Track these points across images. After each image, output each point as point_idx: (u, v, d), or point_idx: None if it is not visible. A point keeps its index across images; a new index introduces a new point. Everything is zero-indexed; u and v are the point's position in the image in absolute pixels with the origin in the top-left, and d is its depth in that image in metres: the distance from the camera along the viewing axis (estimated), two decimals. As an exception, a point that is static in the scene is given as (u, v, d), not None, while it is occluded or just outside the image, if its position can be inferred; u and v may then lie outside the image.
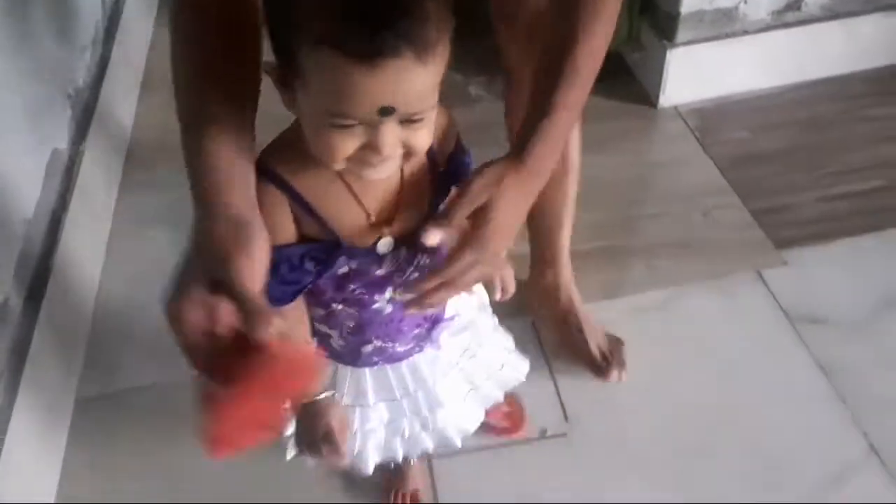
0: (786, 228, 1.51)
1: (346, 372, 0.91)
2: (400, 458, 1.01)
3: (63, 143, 1.49)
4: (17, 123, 1.34)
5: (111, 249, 1.58)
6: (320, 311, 0.83)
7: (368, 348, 0.87)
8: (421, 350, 0.91)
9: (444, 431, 0.98)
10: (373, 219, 0.75)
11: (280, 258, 0.71)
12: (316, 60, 0.61)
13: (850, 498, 1.15)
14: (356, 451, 0.96)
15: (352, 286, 0.80)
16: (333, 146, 0.65)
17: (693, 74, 1.75)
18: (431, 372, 0.92)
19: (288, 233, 0.74)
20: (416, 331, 0.89)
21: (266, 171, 0.72)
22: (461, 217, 0.74)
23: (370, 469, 0.98)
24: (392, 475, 1.15)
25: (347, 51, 0.59)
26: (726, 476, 1.18)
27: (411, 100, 0.63)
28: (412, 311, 0.78)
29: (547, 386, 1.29)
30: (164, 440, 1.26)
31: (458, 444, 1.00)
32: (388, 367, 0.91)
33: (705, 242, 1.51)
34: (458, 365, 0.95)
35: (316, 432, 0.85)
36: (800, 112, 1.75)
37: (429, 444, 0.99)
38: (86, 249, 1.49)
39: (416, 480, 1.16)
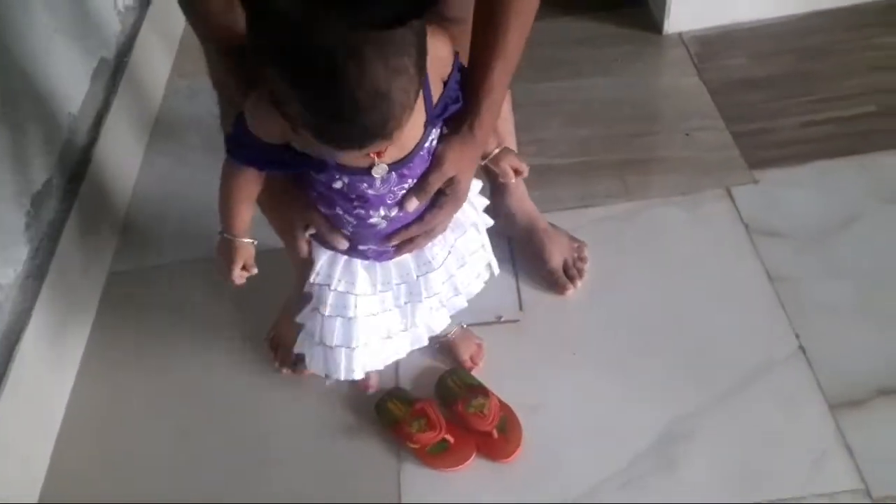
0: (763, 150, 1.54)
1: (341, 260, 1.03)
2: (381, 366, 1.14)
3: (110, 53, 1.71)
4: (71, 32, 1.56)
5: (150, 148, 1.79)
6: (327, 212, 0.96)
7: (363, 248, 1.01)
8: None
9: (417, 330, 1.13)
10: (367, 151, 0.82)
11: (272, 151, 0.87)
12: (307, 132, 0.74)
13: (769, 388, 1.22)
14: (345, 345, 1.07)
15: (352, 197, 0.91)
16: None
17: (698, 2, 1.78)
18: (416, 266, 1.05)
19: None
20: None
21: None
22: (434, 189, 0.94)
23: (359, 373, 1.11)
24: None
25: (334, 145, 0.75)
26: (658, 362, 1.27)
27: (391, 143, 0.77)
28: (399, 253, 1.01)
29: (508, 279, 1.41)
30: (183, 311, 1.48)
31: (426, 342, 1.17)
32: (377, 264, 1.04)
33: (681, 161, 1.57)
34: (441, 267, 1.06)
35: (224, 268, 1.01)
36: (803, 41, 1.74)
37: (404, 348, 1.14)
38: (126, 146, 1.71)
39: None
